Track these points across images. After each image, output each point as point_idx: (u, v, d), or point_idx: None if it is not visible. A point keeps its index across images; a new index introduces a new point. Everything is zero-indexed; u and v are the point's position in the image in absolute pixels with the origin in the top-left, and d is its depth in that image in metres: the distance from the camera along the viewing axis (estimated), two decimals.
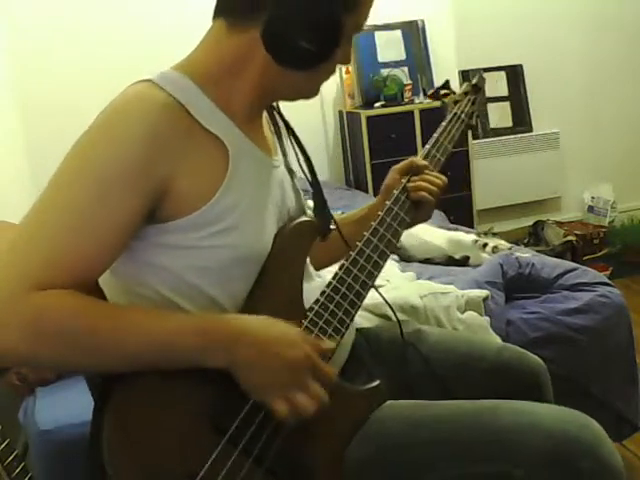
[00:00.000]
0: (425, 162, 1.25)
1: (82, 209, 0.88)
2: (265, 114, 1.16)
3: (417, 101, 3.72)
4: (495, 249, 2.15)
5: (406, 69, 3.82)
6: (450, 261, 2.25)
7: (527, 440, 0.96)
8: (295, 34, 0.94)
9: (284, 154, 1.18)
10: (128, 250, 0.95)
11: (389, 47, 3.79)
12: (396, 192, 1.20)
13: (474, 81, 1.51)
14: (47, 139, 3.20)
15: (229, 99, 1.01)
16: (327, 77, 1.07)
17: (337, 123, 3.96)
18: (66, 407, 1.50)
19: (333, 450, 1.02)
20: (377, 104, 3.68)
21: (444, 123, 1.39)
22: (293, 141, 1.18)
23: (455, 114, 1.42)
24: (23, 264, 0.86)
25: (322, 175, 1.19)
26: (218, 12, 1.03)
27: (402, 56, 3.82)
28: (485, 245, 2.18)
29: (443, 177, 1.26)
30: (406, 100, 3.70)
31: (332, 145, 3.95)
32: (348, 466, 1.02)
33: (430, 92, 1.46)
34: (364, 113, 3.59)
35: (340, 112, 3.89)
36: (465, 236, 2.28)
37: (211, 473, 0.89)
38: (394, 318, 1.24)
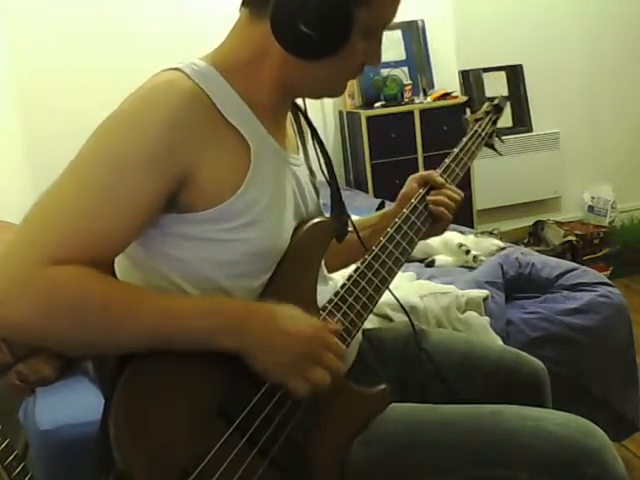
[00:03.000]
0: (443, 180, 1.26)
1: (102, 189, 0.88)
2: (289, 114, 1.16)
3: (417, 101, 3.72)
4: (475, 259, 2.16)
5: (406, 69, 3.82)
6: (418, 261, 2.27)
7: (532, 445, 0.96)
8: (297, 20, 0.92)
9: (306, 155, 1.18)
10: (145, 239, 0.95)
11: (389, 47, 3.78)
12: (414, 201, 1.21)
13: (496, 101, 1.54)
14: (47, 139, 3.21)
15: (253, 91, 1.01)
16: (349, 75, 1.05)
17: (337, 123, 3.96)
18: (66, 407, 1.50)
19: (336, 449, 1.02)
20: (377, 104, 3.68)
21: (465, 139, 1.41)
22: (316, 142, 1.18)
23: (476, 131, 1.44)
24: (39, 238, 0.86)
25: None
26: (243, 1, 1.02)
27: (402, 56, 3.82)
28: (468, 252, 2.19)
29: (461, 192, 1.28)
30: (406, 100, 3.70)
31: (332, 145, 3.95)
32: (350, 467, 1.02)
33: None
34: (364, 113, 3.59)
35: (340, 112, 3.89)
36: (454, 238, 2.28)
37: (216, 460, 0.89)
38: (395, 319, 1.24)
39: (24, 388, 1.59)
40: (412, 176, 1.28)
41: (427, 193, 1.24)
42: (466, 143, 1.39)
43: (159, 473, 0.87)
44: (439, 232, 1.27)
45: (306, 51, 0.95)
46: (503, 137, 1.54)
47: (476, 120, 1.49)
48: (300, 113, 1.20)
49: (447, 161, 1.33)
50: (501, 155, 1.64)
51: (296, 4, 0.92)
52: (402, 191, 1.28)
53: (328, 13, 0.92)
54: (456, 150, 1.36)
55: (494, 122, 1.50)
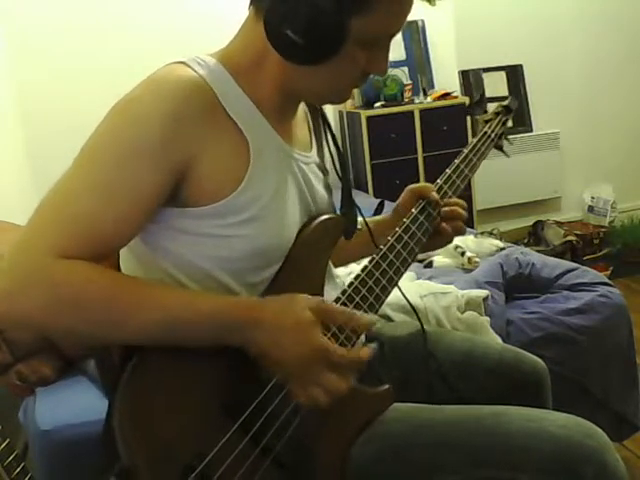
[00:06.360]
0: (437, 197, 1.22)
1: (106, 181, 0.89)
2: (306, 109, 1.16)
3: (417, 101, 3.72)
4: (470, 260, 2.16)
5: (406, 69, 3.82)
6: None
7: (532, 446, 0.96)
8: (286, 25, 0.91)
9: (321, 153, 1.17)
10: (146, 233, 0.96)
11: None
12: (415, 211, 1.19)
13: (506, 102, 1.52)
14: (47, 139, 3.22)
15: (258, 90, 1.01)
16: (350, 82, 1.03)
17: (337, 123, 3.96)
18: (66, 407, 1.50)
19: (338, 448, 1.02)
20: (377, 104, 3.69)
21: (474, 140, 1.39)
22: (330, 139, 1.18)
23: (485, 133, 1.42)
24: (45, 232, 0.87)
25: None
26: (250, 0, 1.01)
27: (402, 56, 3.82)
28: (463, 254, 2.19)
29: (464, 204, 1.26)
30: (406, 100, 3.70)
31: None
32: (351, 466, 1.02)
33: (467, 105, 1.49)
34: (364, 113, 3.59)
35: (340, 112, 3.89)
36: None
37: (220, 456, 0.89)
38: (395, 319, 1.24)
39: (24, 388, 1.59)
40: (408, 187, 1.26)
41: (428, 204, 1.21)
42: (475, 144, 1.37)
43: (163, 468, 0.87)
44: (439, 246, 1.28)
45: (296, 56, 0.94)
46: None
47: (486, 121, 1.47)
48: (318, 110, 1.19)
49: (457, 161, 1.31)
50: (508, 157, 1.63)
51: (286, 9, 0.90)
52: (396, 203, 1.27)
53: (317, 21, 0.90)
54: (466, 151, 1.34)
55: (504, 123, 1.49)
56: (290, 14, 0.90)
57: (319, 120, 1.19)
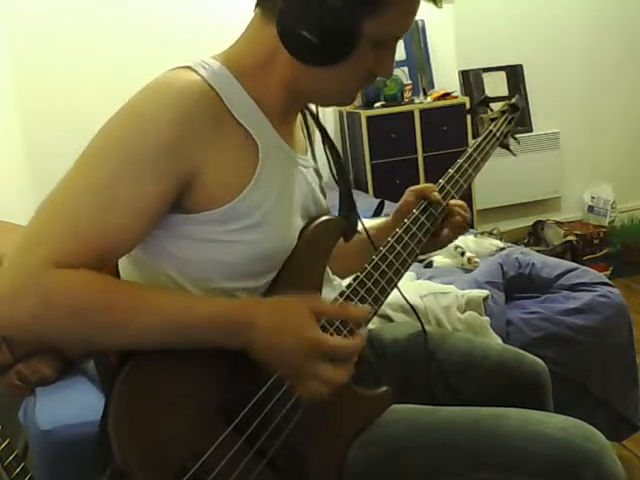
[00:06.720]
0: (439, 198, 1.23)
1: (106, 187, 0.88)
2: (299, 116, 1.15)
3: (417, 101, 3.72)
4: (470, 261, 2.16)
5: (406, 69, 3.82)
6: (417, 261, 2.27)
7: (531, 448, 0.95)
8: (301, 25, 0.90)
9: (314, 156, 1.17)
10: (151, 238, 0.95)
11: None
12: (416, 212, 1.20)
13: (513, 101, 1.51)
14: (47, 140, 3.22)
15: (263, 93, 1.00)
16: (358, 84, 1.03)
17: (337, 123, 3.96)
18: (66, 407, 1.50)
19: (334, 451, 1.02)
20: (377, 104, 3.68)
21: (479, 139, 1.37)
22: (326, 143, 1.17)
23: (490, 131, 1.41)
24: (45, 239, 0.86)
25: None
26: (257, 1, 1.01)
27: (402, 56, 3.82)
28: (463, 254, 2.19)
29: (465, 206, 1.28)
30: (406, 100, 3.70)
31: None
32: (348, 468, 1.01)
33: (468, 108, 1.47)
34: (364, 113, 3.59)
35: (340, 112, 3.89)
36: None
37: (215, 458, 0.88)
38: (395, 319, 1.24)
39: (24, 388, 1.59)
40: (410, 189, 1.26)
41: (429, 205, 1.22)
42: (480, 143, 1.35)
43: (157, 468, 0.86)
44: (440, 246, 1.28)
45: (310, 57, 0.94)
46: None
47: (492, 120, 1.45)
48: (310, 114, 1.19)
49: (460, 161, 1.29)
50: (515, 155, 1.61)
51: (301, 9, 0.90)
52: (398, 205, 1.27)
53: (333, 21, 0.90)
54: (470, 150, 1.33)
55: (510, 122, 1.47)
56: (305, 16, 0.90)
57: (309, 123, 1.19)
